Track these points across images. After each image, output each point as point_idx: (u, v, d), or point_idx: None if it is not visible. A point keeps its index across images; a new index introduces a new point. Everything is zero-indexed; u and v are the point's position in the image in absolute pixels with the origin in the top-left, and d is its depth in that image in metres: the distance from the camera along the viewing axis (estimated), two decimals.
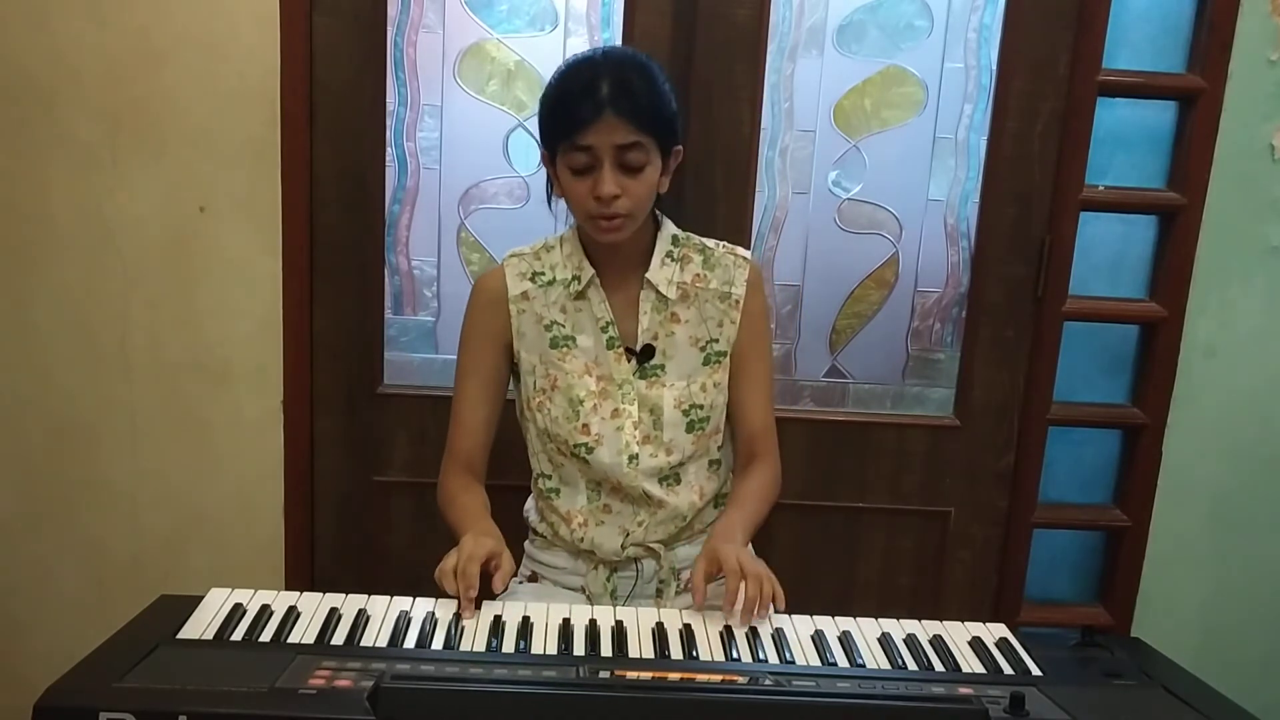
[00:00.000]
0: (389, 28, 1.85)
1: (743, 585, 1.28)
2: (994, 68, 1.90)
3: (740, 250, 1.54)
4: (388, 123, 1.89)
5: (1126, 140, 1.94)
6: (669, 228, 1.52)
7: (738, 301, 1.51)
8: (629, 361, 1.50)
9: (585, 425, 1.48)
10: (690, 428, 1.50)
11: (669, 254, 1.51)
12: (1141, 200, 1.94)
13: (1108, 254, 1.98)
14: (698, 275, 1.51)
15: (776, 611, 1.29)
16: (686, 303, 1.51)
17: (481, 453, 1.53)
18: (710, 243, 1.54)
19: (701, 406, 1.50)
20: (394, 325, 1.99)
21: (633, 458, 1.48)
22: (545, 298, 1.50)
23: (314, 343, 1.93)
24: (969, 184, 1.96)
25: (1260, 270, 1.94)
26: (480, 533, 1.37)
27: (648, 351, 1.50)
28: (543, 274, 1.51)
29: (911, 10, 1.90)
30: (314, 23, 1.82)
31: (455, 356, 1.53)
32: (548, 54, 1.89)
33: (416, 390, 1.97)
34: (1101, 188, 1.93)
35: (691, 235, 1.54)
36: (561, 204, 1.49)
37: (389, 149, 1.91)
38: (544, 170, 1.50)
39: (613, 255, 1.49)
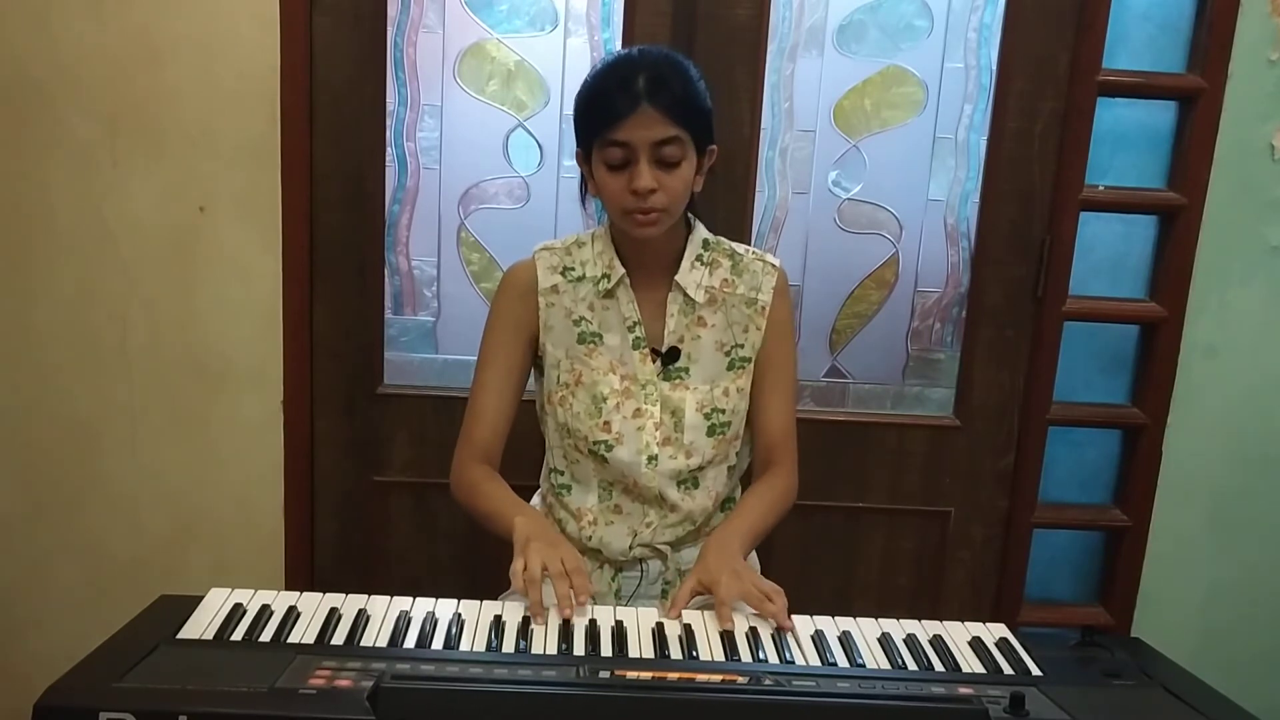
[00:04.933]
0: (389, 28, 1.85)
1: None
2: (994, 68, 1.90)
3: (769, 257, 1.54)
4: (388, 123, 1.89)
5: (1126, 140, 1.94)
6: (700, 231, 1.52)
7: (764, 308, 1.51)
8: (653, 362, 1.49)
9: (607, 423, 1.48)
10: (711, 431, 1.50)
11: (699, 258, 1.50)
12: (1141, 200, 1.94)
13: (1108, 254, 1.98)
14: (726, 280, 1.51)
15: (779, 624, 1.27)
16: (713, 307, 1.50)
17: (499, 444, 1.52)
18: (740, 248, 1.54)
19: (723, 411, 1.50)
20: (394, 325, 1.99)
21: (652, 458, 1.48)
22: (575, 293, 1.50)
23: (314, 343, 1.93)
24: (969, 184, 1.96)
25: (1260, 270, 1.94)
26: (539, 524, 1.39)
27: (673, 354, 1.50)
28: (573, 269, 1.50)
29: (911, 10, 1.90)
30: (314, 23, 1.82)
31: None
32: (548, 54, 1.89)
33: (416, 390, 1.97)
34: (1101, 188, 1.93)
35: (722, 240, 1.54)
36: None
37: (389, 149, 1.91)
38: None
39: (643, 256, 1.48)
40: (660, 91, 1.35)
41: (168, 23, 1.79)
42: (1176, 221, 1.92)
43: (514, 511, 1.41)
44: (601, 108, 1.37)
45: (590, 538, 1.52)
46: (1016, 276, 1.95)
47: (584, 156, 1.45)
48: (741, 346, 1.51)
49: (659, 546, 1.52)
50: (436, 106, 1.91)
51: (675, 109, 1.36)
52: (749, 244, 1.90)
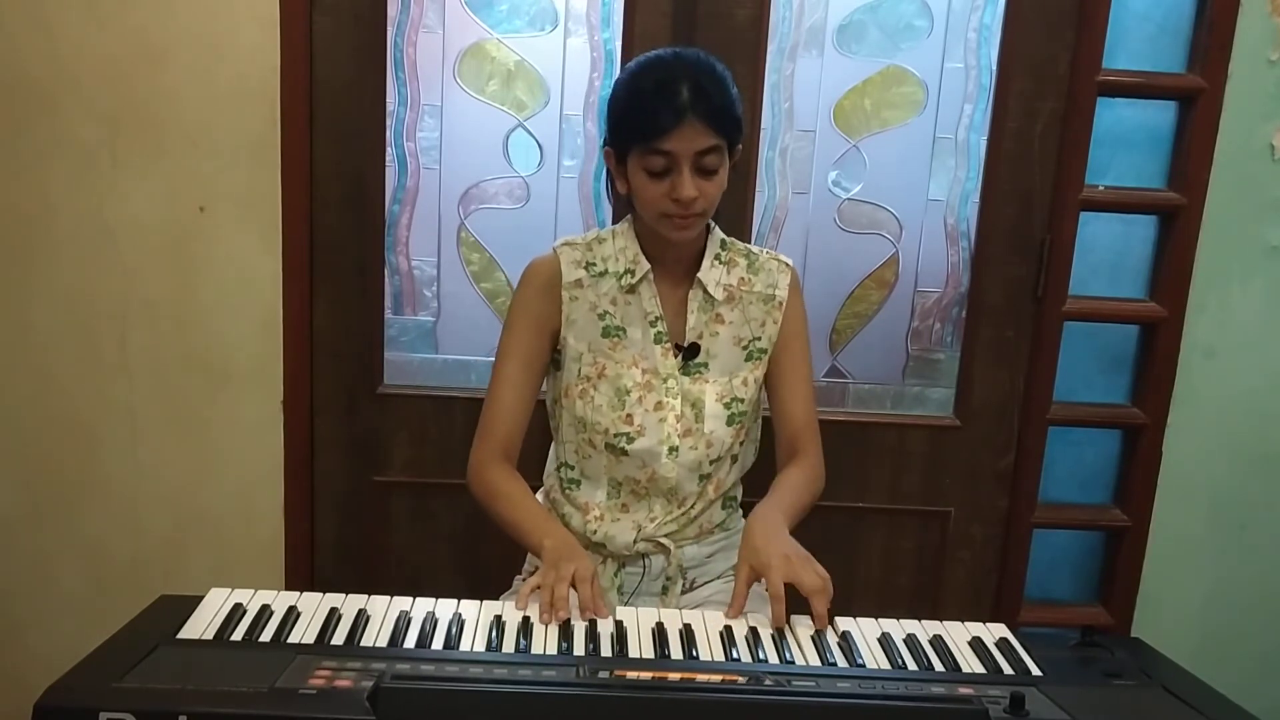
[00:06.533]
0: (389, 28, 1.85)
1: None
2: (994, 68, 1.90)
3: (783, 256, 1.58)
4: (388, 123, 1.89)
5: (1126, 140, 1.94)
6: (718, 232, 1.56)
7: (780, 303, 1.55)
8: (675, 357, 1.51)
9: (629, 415, 1.49)
10: (730, 420, 1.52)
11: (717, 256, 1.53)
12: (1141, 200, 1.94)
13: (1108, 254, 1.98)
14: (743, 279, 1.54)
15: (818, 619, 1.28)
16: (731, 304, 1.53)
17: (518, 439, 1.52)
18: (755, 248, 1.58)
19: (742, 400, 1.53)
20: (394, 325, 1.99)
21: (673, 449, 1.50)
22: (598, 288, 1.51)
23: (314, 343, 1.93)
24: (969, 184, 1.96)
25: (1260, 270, 1.94)
26: (568, 545, 1.38)
27: (693, 349, 1.52)
28: (595, 265, 1.52)
29: (911, 10, 1.90)
30: (314, 23, 1.82)
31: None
32: (548, 54, 1.89)
33: (416, 390, 1.97)
34: (1101, 188, 1.93)
35: (736, 240, 1.58)
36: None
37: (389, 149, 1.91)
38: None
39: (666, 253, 1.51)
40: (703, 103, 1.37)
41: (168, 23, 1.78)
42: (1176, 221, 1.92)
43: (541, 532, 1.41)
44: (644, 117, 1.38)
45: (595, 532, 1.53)
46: (1016, 276, 1.95)
47: (615, 155, 1.45)
48: (759, 339, 1.54)
49: (661, 540, 1.52)
50: (436, 106, 1.91)
51: (716, 119, 1.38)
52: (748, 244, 1.91)
